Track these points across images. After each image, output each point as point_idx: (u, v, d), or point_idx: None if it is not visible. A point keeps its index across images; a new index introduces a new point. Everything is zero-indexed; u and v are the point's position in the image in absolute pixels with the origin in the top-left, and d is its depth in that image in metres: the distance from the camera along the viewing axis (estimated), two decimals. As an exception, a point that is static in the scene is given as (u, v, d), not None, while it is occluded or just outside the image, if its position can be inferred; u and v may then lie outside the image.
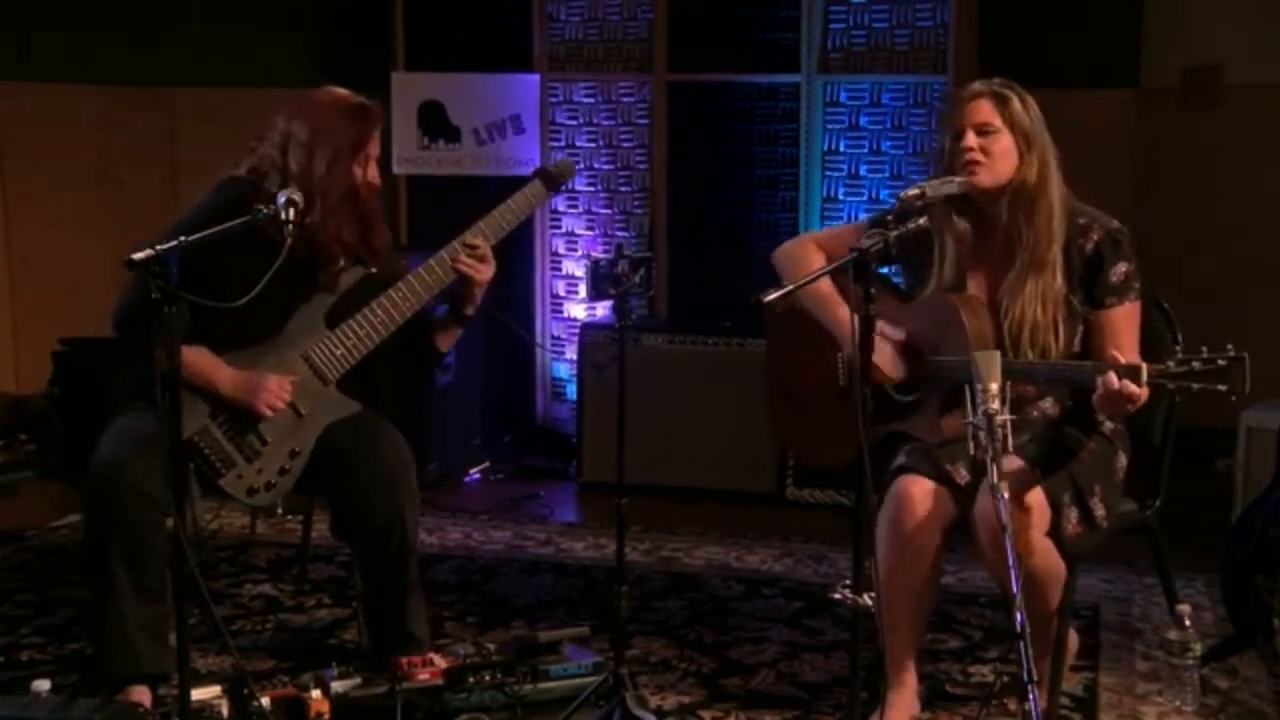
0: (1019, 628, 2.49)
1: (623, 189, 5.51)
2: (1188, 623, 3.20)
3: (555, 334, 5.68)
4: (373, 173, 3.30)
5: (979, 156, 2.99)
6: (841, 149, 5.21)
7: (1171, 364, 2.67)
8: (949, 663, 3.53)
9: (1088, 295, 3.01)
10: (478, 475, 5.39)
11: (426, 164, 5.44)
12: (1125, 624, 3.82)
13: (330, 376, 3.28)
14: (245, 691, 3.06)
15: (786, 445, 4.40)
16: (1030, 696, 2.44)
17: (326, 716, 3.09)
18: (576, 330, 5.34)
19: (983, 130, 2.99)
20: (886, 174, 5.14)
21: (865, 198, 5.16)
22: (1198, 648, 3.22)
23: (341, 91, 3.34)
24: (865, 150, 5.17)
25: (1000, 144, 2.99)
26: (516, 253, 5.63)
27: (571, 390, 5.52)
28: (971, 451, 2.65)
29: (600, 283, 3.21)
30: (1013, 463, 2.88)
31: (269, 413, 3.19)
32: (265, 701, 3.06)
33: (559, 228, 5.62)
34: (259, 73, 5.49)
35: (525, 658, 3.24)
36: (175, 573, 2.83)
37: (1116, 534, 3.12)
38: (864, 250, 2.61)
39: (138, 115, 5.75)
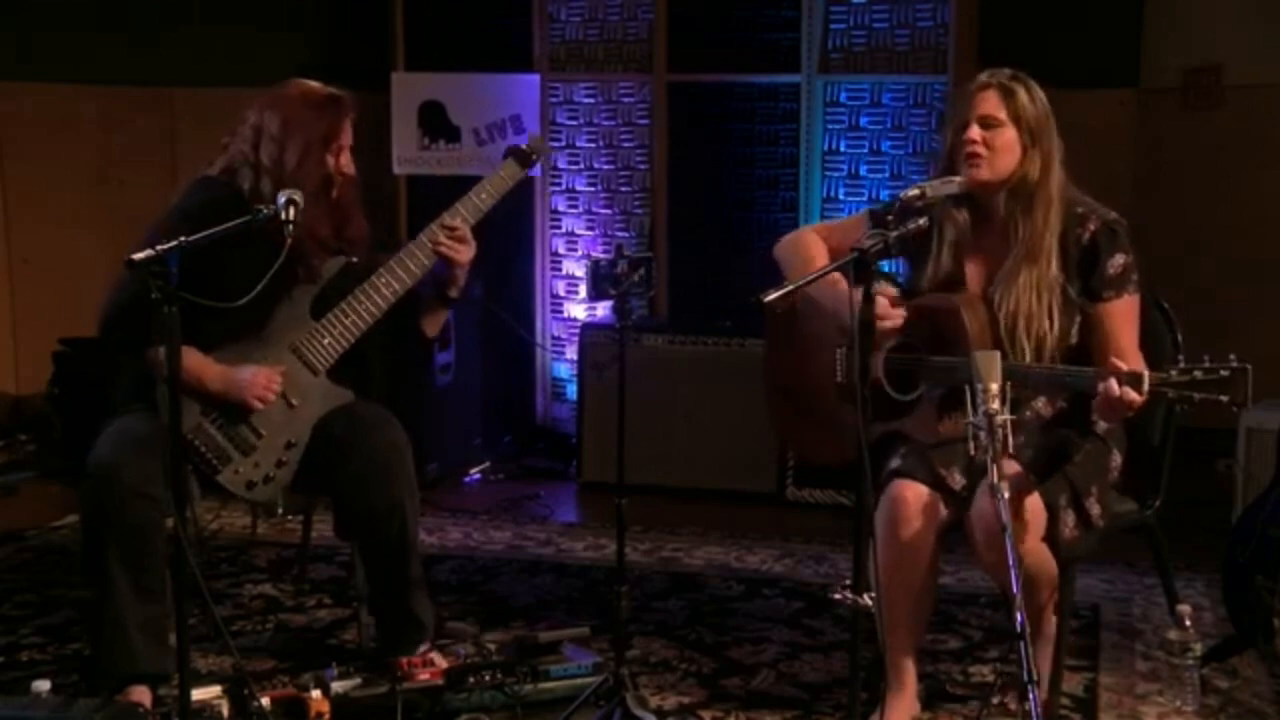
0: (1019, 628, 2.49)
1: (623, 189, 5.51)
2: (1188, 623, 3.20)
3: (555, 334, 5.68)
4: (345, 163, 3.29)
5: (981, 150, 2.98)
6: (842, 149, 5.21)
7: (1174, 373, 2.66)
8: (949, 663, 3.53)
9: (1085, 286, 3.00)
10: (478, 475, 5.39)
11: (427, 164, 5.43)
12: (1125, 624, 3.82)
13: (319, 366, 3.29)
14: (245, 692, 3.06)
15: (787, 442, 4.41)
16: (1030, 696, 2.44)
17: (327, 717, 3.09)
18: (577, 330, 5.34)
19: (987, 123, 2.99)
20: (886, 174, 5.14)
21: (865, 198, 5.16)
22: (1198, 648, 3.22)
23: (311, 84, 3.33)
24: (865, 150, 5.17)
25: (1003, 138, 2.99)
26: (517, 253, 5.64)
27: (572, 390, 5.52)
28: (971, 452, 2.65)
29: (600, 283, 3.21)
30: (1010, 467, 2.88)
31: (260, 405, 3.21)
32: (265, 702, 3.06)
33: (559, 228, 5.62)
34: (259, 73, 5.46)
35: (525, 658, 3.24)
36: (175, 573, 2.83)
37: (1117, 534, 3.12)
38: (864, 250, 2.61)
39: (138, 115, 5.75)
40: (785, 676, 3.46)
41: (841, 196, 5.21)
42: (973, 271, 3.10)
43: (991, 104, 2.99)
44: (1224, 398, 2.60)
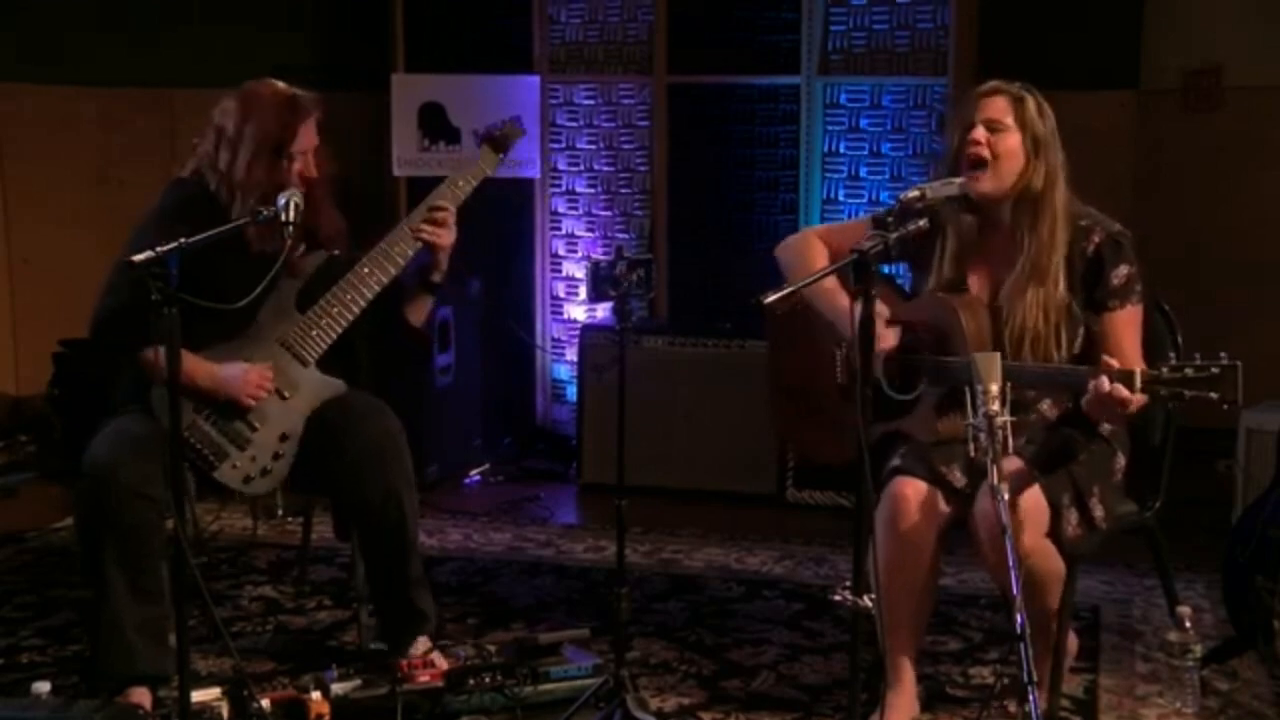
0: (1019, 629, 2.49)
1: (623, 191, 5.51)
2: (1188, 624, 3.20)
3: (555, 335, 5.68)
4: (305, 167, 3.26)
5: (984, 151, 2.98)
6: (842, 151, 5.20)
7: (1165, 370, 2.66)
8: (949, 664, 3.53)
9: (1089, 298, 3.01)
10: (478, 477, 5.39)
11: (427, 165, 5.43)
12: (1125, 625, 3.81)
13: (309, 358, 3.31)
14: (245, 693, 3.06)
15: (789, 442, 4.40)
16: (1030, 698, 2.44)
17: (327, 718, 3.08)
18: (577, 332, 5.34)
19: (993, 126, 2.99)
20: (886, 176, 5.14)
21: (865, 199, 5.15)
22: (1198, 649, 3.22)
23: (272, 86, 3.31)
24: (865, 152, 5.17)
25: (1008, 143, 2.98)
26: (516, 254, 5.64)
27: (571, 392, 5.52)
28: (971, 453, 2.66)
29: (600, 284, 3.21)
30: (1013, 464, 2.88)
31: (252, 403, 3.22)
32: (265, 703, 3.05)
33: (559, 229, 5.62)
34: (259, 73, 5.47)
35: (525, 660, 3.24)
36: (175, 574, 2.83)
37: (1117, 535, 3.12)
38: (864, 251, 2.61)
39: (138, 116, 5.75)
40: (785, 678, 3.46)
41: (841, 198, 5.21)
42: (976, 280, 3.09)
43: (999, 108, 2.99)
44: (1214, 395, 2.60)
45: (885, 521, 2.98)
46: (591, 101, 5.50)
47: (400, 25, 5.57)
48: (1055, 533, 2.95)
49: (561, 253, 5.63)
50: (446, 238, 3.36)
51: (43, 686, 2.92)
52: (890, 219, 2.78)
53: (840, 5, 5.13)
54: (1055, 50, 5.16)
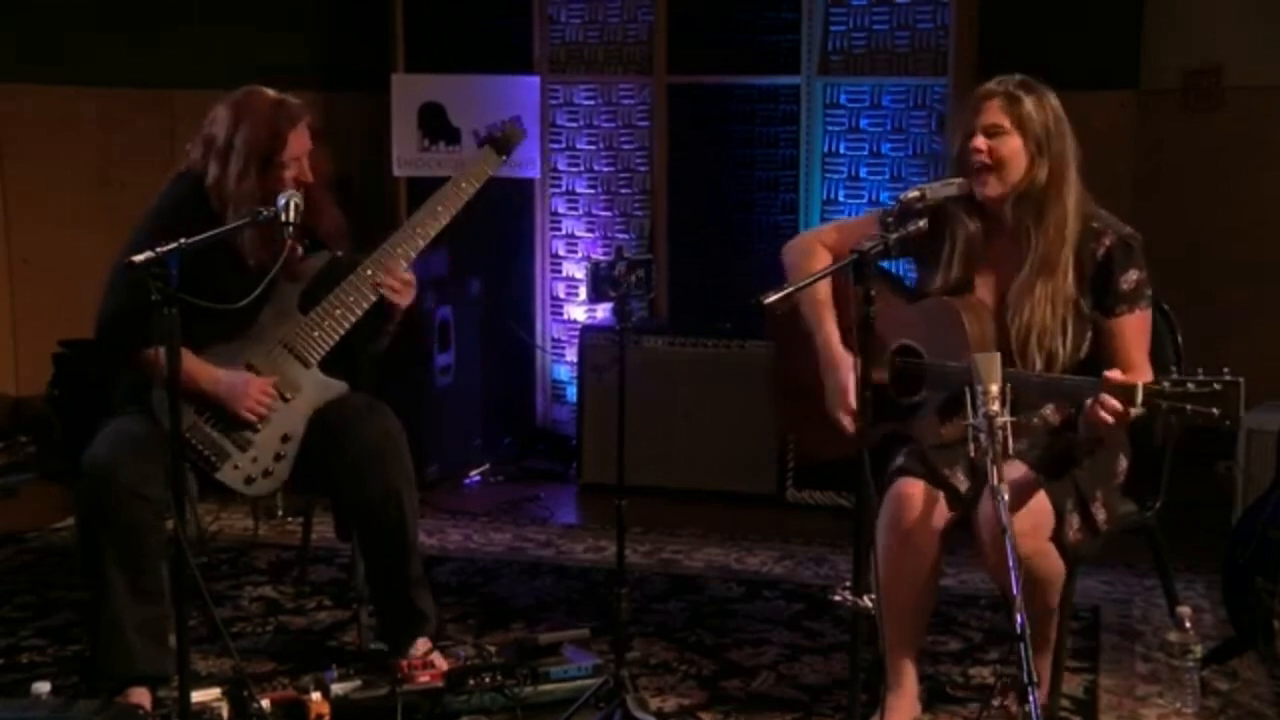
0: (1019, 630, 2.49)
1: (623, 191, 5.51)
2: (1188, 625, 3.20)
3: (555, 336, 5.68)
4: (300, 173, 3.25)
5: (986, 159, 2.98)
6: (842, 151, 5.20)
7: (1167, 384, 2.66)
8: (949, 664, 3.53)
9: (1098, 301, 3.00)
10: (478, 477, 5.39)
11: (427, 165, 5.43)
12: (1125, 626, 3.82)
13: (311, 359, 3.32)
14: (245, 693, 3.06)
15: (792, 439, 4.40)
16: (1030, 698, 2.44)
17: (327, 719, 3.08)
18: (577, 332, 5.35)
19: (991, 132, 2.98)
20: (886, 176, 5.14)
21: (865, 200, 5.15)
22: (1198, 650, 3.22)
23: (263, 94, 3.31)
24: (865, 152, 5.17)
25: (1008, 146, 2.98)
26: (516, 255, 5.64)
27: (571, 392, 5.52)
28: (972, 453, 2.65)
29: (600, 285, 3.21)
30: (1016, 468, 2.88)
31: (251, 418, 3.22)
32: (265, 704, 3.05)
33: (559, 230, 5.62)
34: (259, 73, 5.48)
35: (525, 660, 3.24)
36: (175, 574, 2.84)
37: (1117, 535, 3.12)
38: (863, 252, 2.61)
39: (138, 116, 5.74)
40: (785, 678, 3.46)
41: (841, 198, 5.21)
42: (983, 281, 3.09)
43: (995, 113, 2.98)
44: (1215, 411, 2.60)
45: (888, 522, 2.98)
46: (591, 102, 5.50)
47: (400, 25, 5.57)
48: (1058, 536, 2.94)
49: (561, 253, 5.63)
50: (405, 299, 3.36)
51: (43, 687, 2.92)
52: (890, 219, 2.78)
53: (840, 5, 5.13)
54: (1055, 50, 5.15)
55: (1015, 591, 2.51)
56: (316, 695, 3.10)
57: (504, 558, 4.45)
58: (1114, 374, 2.76)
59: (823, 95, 5.19)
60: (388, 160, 5.46)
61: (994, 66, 3.10)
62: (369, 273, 3.32)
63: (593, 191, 5.54)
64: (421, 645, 3.38)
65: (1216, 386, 2.60)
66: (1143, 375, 2.83)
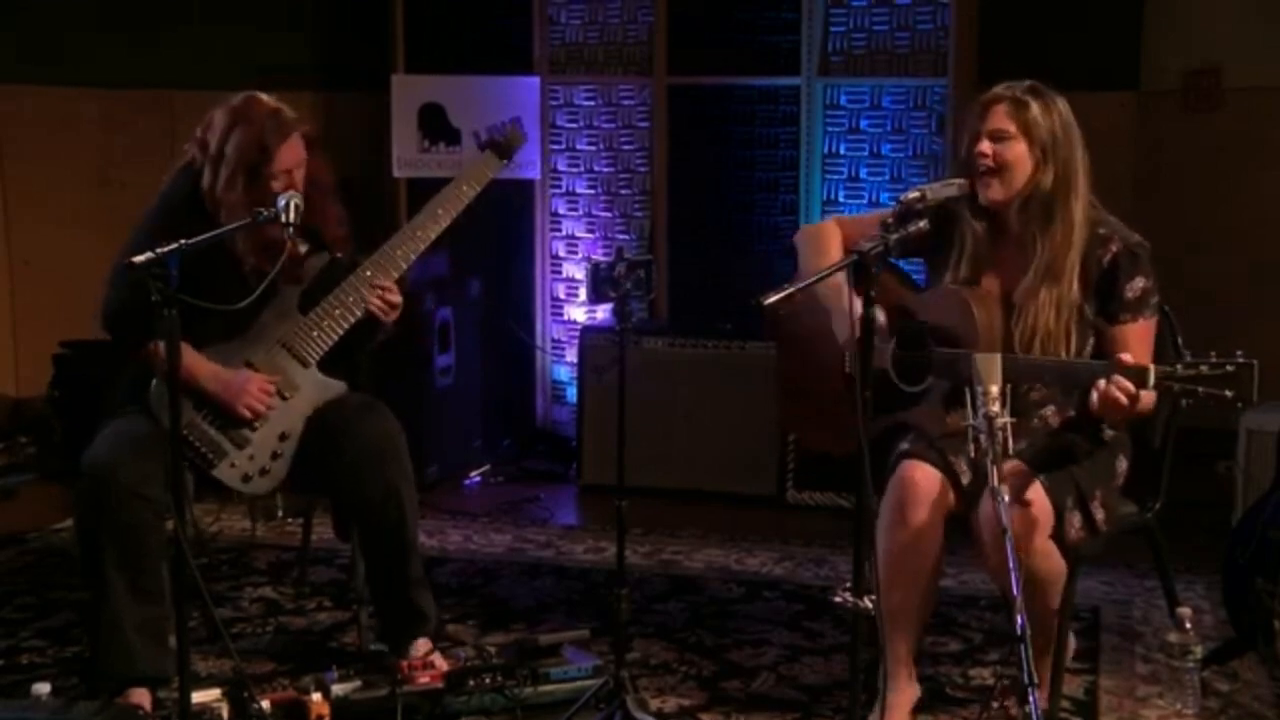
0: (1019, 630, 2.49)
1: (623, 192, 5.51)
2: (1188, 625, 3.20)
3: (555, 337, 5.68)
4: (294, 183, 3.23)
5: (990, 163, 2.98)
6: (842, 152, 5.20)
7: (1180, 366, 2.66)
8: (949, 665, 3.53)
9: (1102, 308, 3.00)
10: (478, 478, 5.39)
11: (427, 166, 5.43)
12: (1126, 626, 3.81)
13: (310, 359, 3.32)
14: (245, 694, 3.06)
15: (795, 434, 4.40)
16: (1031, 699, 2.44)
17: (327, 719, 3.08)
18: (577, 333, 5.34)
19: (997, 136, 2.98)
20: (886, 177, 5.14)
21: (865, 200, 5.15)
22: (1198, 650, 3.22)
23: (259, 102, 3.29)
24: (865, 153, 5.17)
25: (1013, 151, 2.98)
26: (516, 255, 5.64)
27: (571, 393, 5.52)
28: (972, 454, 2.65)
29: (600, 285, 3.21)
30: (1016, 467, 2.88)
31: (249, 415, 3.22)
32: (265, 704, 3.05)
33: (559, 230, 5.62)
34: (259, 73, 5.49)
35: (525, 661, 3.24)
36: (175, 575, 2.84)
37: (1117, 536, 3.12)
38: (863, 253, 2.61)
39: (138, 117, 5.74)
40: (785, 679, 3.46)
41: (842, 199, 5.20)
42: (988, 284, 3.09)
43: (1000, 118, 2.98)
44: (1229, 393, 2.59)
45: (893, 506, 2.97)
46: (591, 102, 5.50)
47: (400, 25, 5.57)
48: (1058, 535, 2.95)
49: (562, 254, 5.63)
50: (392, 317, 3.37)
51: (43, 688, 2.92)
52: (890, 220, 2.78)
53: (840, 6, 5.13)
54: (1055, 51, 5.16)
55: (1015, 592, 2.51)
56: (317, 696, 3.10)
57: (504, 558, 4.45)
58: (1126, 356, 2.76)
59: (823, 96, 5.19)
60: (388, 161, 5.46)
61: (994, 67, 3.10)
62: (368, 274, 3.33)
63: (593, 192, 5.54)
64: (422, 646, 3.38)
65: (1230, 368, 2.59)
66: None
